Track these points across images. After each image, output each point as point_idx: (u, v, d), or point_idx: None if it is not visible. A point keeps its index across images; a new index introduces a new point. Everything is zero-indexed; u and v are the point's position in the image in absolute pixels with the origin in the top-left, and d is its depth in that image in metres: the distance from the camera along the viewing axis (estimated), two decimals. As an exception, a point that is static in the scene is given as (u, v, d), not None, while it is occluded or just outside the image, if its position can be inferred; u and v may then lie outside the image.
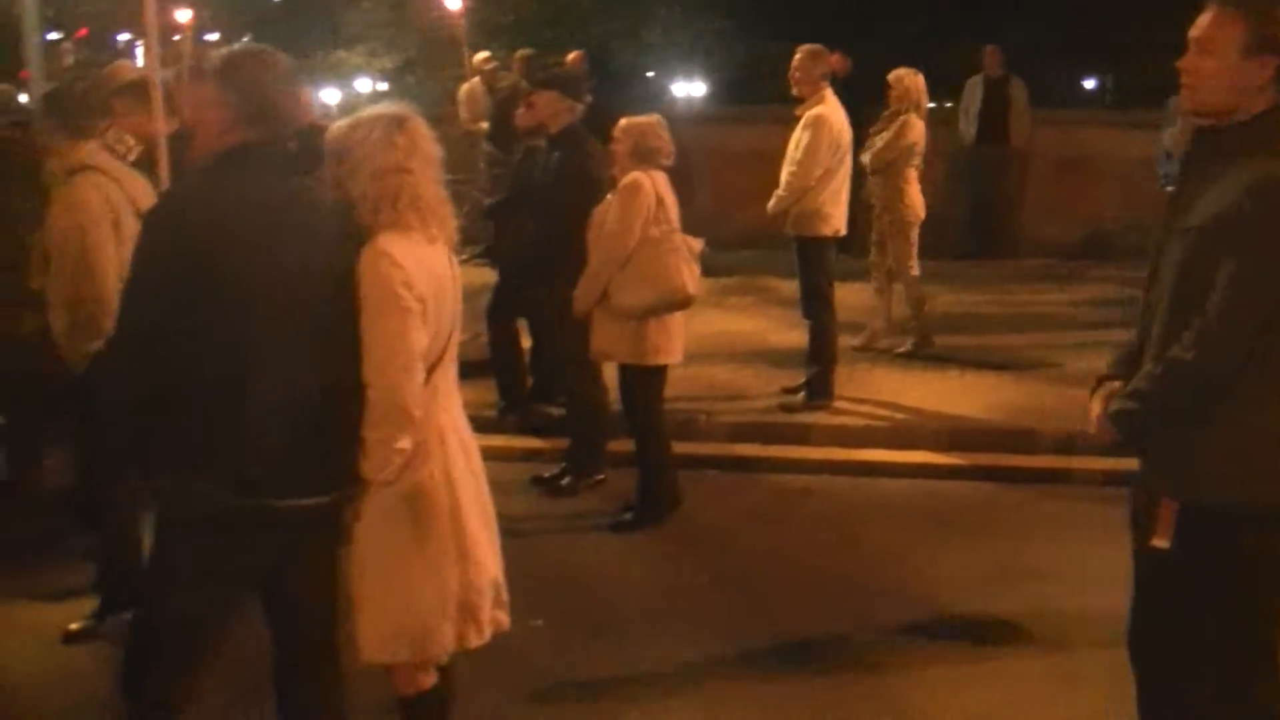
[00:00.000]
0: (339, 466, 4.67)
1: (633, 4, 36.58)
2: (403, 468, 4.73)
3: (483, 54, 19.79)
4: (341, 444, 4.65)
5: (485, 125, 16.01)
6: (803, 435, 10.46)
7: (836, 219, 10.76)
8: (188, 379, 4.44)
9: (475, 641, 5.07)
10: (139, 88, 7.48)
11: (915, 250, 12.44)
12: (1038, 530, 8.73)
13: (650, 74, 43.51)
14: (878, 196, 12.43)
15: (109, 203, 6.68)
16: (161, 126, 7.06)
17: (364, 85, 37.09)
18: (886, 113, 12.51)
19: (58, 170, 6.97)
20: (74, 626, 7.15)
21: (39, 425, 9.09)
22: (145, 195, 6.78)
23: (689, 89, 45.79)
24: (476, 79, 18.82)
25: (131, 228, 6.32)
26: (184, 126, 7.22)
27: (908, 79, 12.46)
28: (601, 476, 9.57)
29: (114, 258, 6.62)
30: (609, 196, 8.56)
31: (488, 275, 11.03)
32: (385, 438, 4.64)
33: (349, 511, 4.78)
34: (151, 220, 4.70)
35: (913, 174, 12.38)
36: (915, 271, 12.48)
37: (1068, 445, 9.79)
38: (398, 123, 4.84)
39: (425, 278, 4.71)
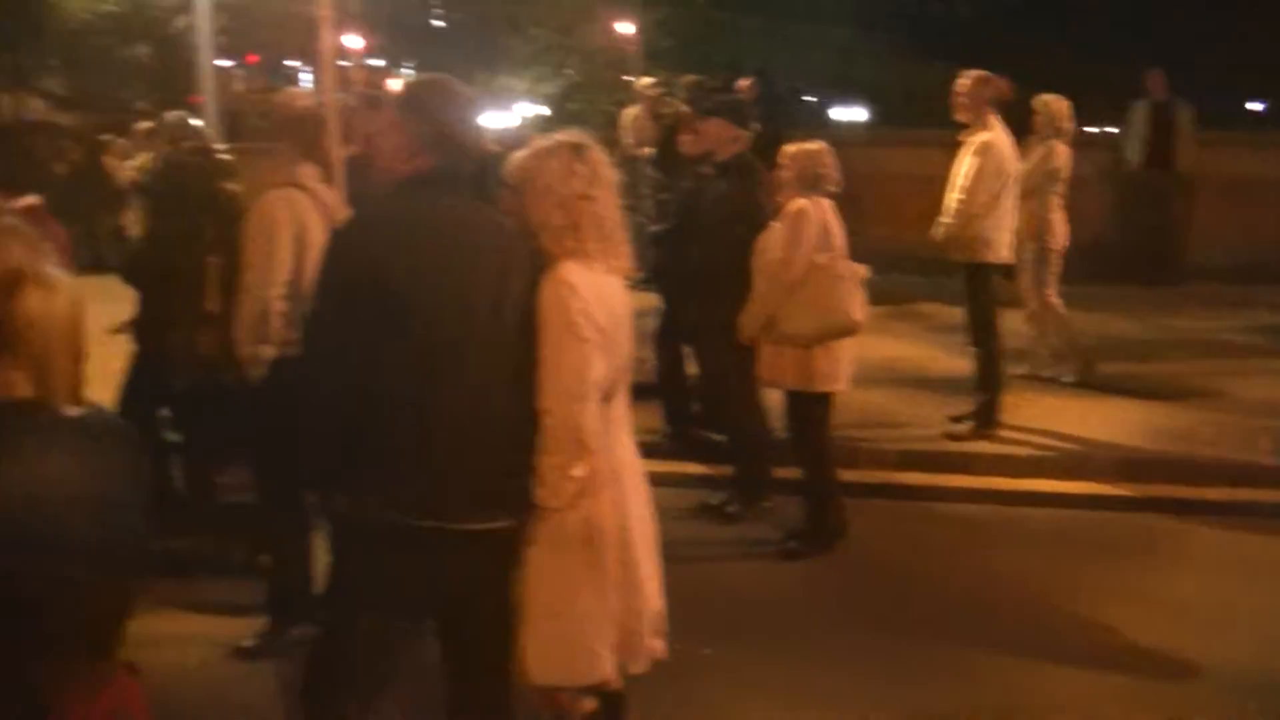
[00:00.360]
0: (513, 492, 4.69)
1: (794, 27, 36.55)
2: (575, 495, 4.75)
3: (647, 79, 19.84)
4: (516, 470, 4.68)
5: (649, 151, 16.05)
6: (968, 464, 10.36)
7: (1002, 246, 10.66)
8: (363, 399, 4.50)
9: (635, 669, 5.08)
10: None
11: (1056, 278, 12.27)
12: (1209, 563, 8.58)
13: (811, 98, 43.43)
14: (1022, 223, 12.29)
15: (296, 216, 6.77)
16: (338, 151, 7.16)
17: (527, 110, 37.31)
18: (1032, 138, 12.36)
19: (257, 186, 7.08)
20: (246, 642, 7.26)
21: (215, 442, 9.25)
22: (342, 212, 6.88)
23: (849, 113, 45.64)
24: (640, 104, 18.86)
25: (320, 243, 6.43)
26: (359, 152, 7.34)
27: (1053, 104, 12.28)
28: (768, 504, 9.53)
29: (288, 267, 6.72)
30: (774, 223, 8.55)
31: (651, 300, 11.06)
32: (559, 465, 4.66)
33: (522, 537, 4.81)
34: (332, 242, 4.78)
35: (1056, 200, 12.17)
36: (1055, 299, 12.31)
37: (1241, 476, 9.61)
38: (577, 150, 4.86)
39: (603, 307, 4.73)
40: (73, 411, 2.80)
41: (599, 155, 4.91)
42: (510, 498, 4.68)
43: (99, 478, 2.80)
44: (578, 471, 4.68)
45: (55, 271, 2.77)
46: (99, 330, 10.85)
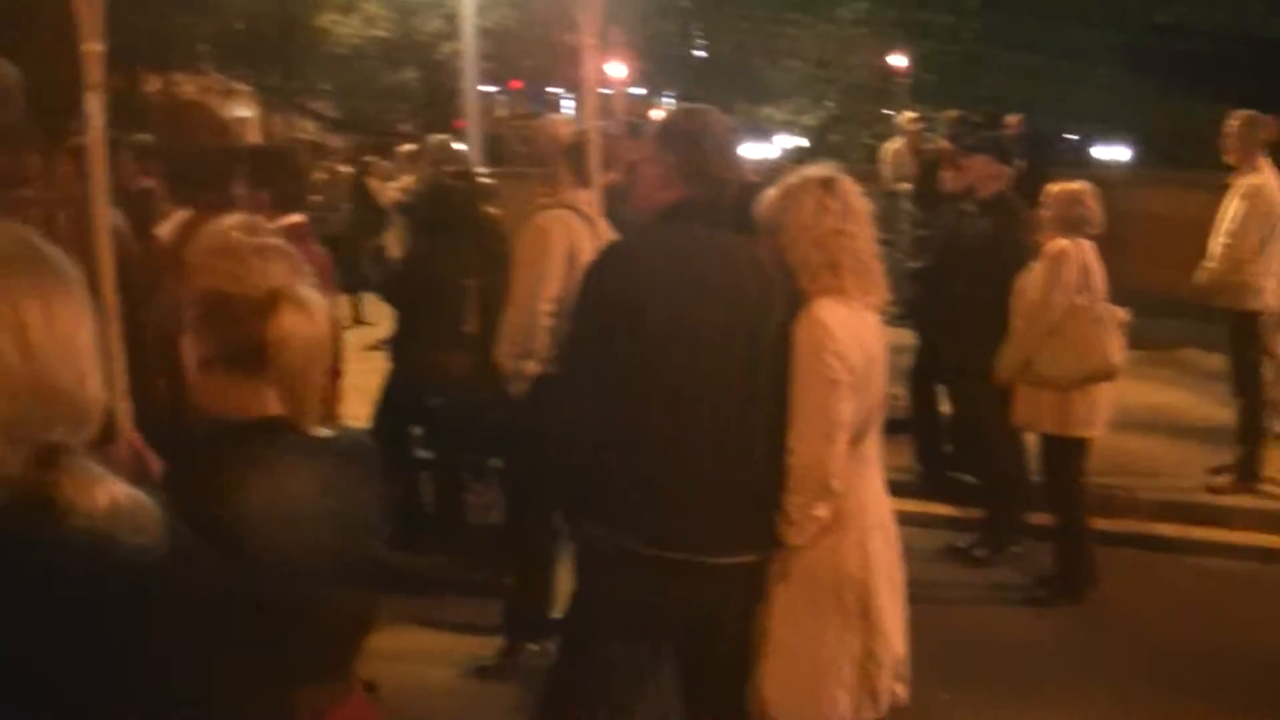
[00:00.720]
0: (757, 528, 4.67)
1: (1060, 65, 36.06)
2: (819, 535, 4.71)
3: (909, 113, 19.72)
4: (761, 506, 4.65)
5: (908, 186, 15.95)
6: (1227, 518, 10.04)
7: (1269, 293, 10.33)
8: (616, 427, 4.51)
9: (870, 713, 4.98)
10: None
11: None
12: None
13: (1073, 136, 42.80)
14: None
15: (569, 235, 6.81)
16: (599, 179, 7.20)
17: (785, 141, 37.35)
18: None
19: (517, 210, 7.15)
20: (486, 661, 7.34)
21: (466, 461, 9.38)
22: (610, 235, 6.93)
23: (1111, 152, 44.84)
24: (901, 138, 18.74)
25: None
26: (620, 180, 7.37)
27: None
28: (1017, 549, 9.35)
29: (558, 284, 6.76)
30: (1034, 263, 8.41)
31: (905, 336, 10.93)
32: (804, 504, 4.62)
33: (764, 573, 4.77)
34: (589, 270, 4.81)
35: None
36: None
37: None
38: (826, 185, 4.81)
39: (858, 348, 4.67)
40: (322, 432, 2.83)
41: (850, 187, 4.85)
42: (757, 533, 4.66)
43: (345, 499, 2.83)
44: (822, 511, 4.64)
45: (311, 292, 2.81)
46: (357, 347, 11.15)
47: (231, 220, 2.98)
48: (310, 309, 2.78)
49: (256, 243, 2.86)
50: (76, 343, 1.74)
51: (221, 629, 1.93)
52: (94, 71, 3.82)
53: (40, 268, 1.74)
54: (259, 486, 2.65)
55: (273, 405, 2.80)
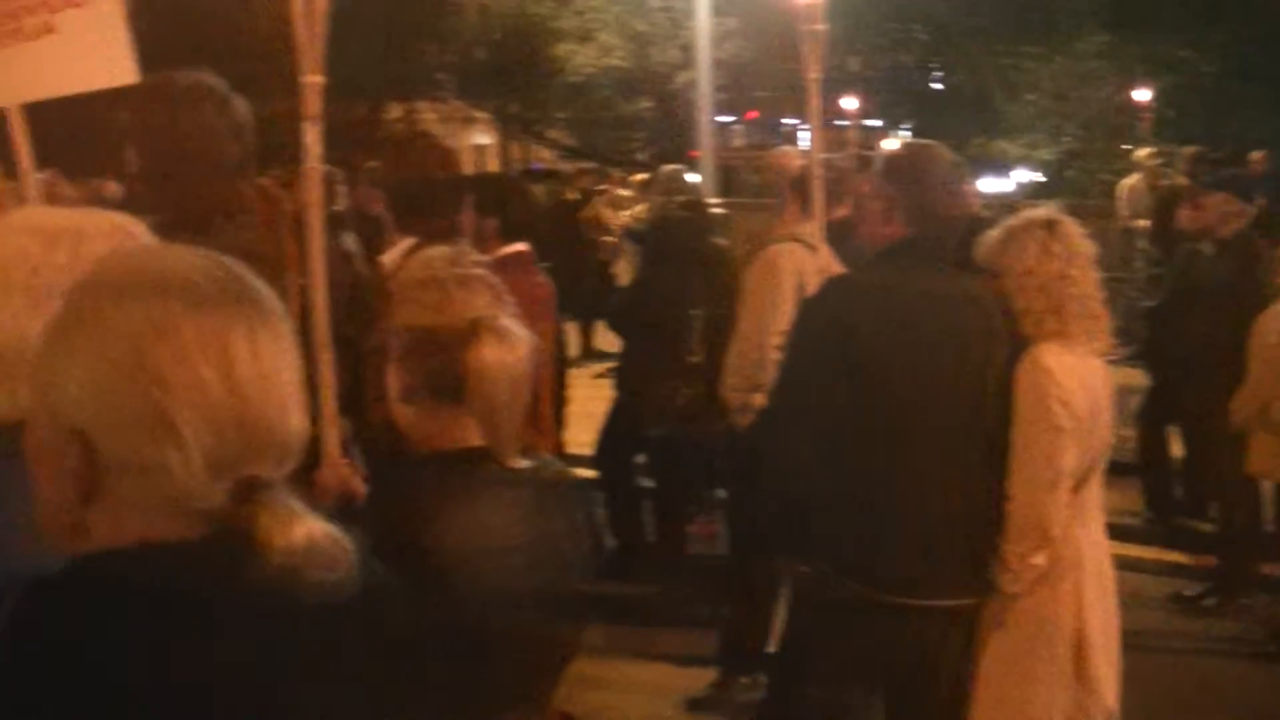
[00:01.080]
0: (973, 572, 4.60)
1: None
2: (1034, 583, 4.62)
3: (1147, 149, 19.34)
4: (977, 550, 4.58)
5: (1145, 223, 15.65)
6: None
7: None
8: (830, 467, 4.47)
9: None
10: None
11: None
12: None
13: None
14: None
15: (798, 269, 6.79)
16: (826, 212, 7.17)
17: (1021, 176, 36.89)
18: None
19: (748, 241, 7.14)
20: (699, 693, 7.30)
21: (689, 492, 9.38)
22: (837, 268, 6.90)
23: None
24: (1139, 174, 18.38)
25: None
26: (848, 214, 7.33)
27: None
28: (1249, 600, 9.06)
29: (787, 318, 6.73)
30: (1275, 306, 8.16)
31: (1136, 377, 10.69)
32: (1021, 552, 4.55)
33: (980, 618, 4.69)
34: (807, 304, 4.81)
35: None
36: None
37: None
38: (1048, 227, 4.75)
39: (1084, 392, 4.59)
40: (522, 463, 2.83)
41: (1072, 229, 4.78)
42: (973, 577, 4.59)
43: (544, 531, 2.83)
44: (1039, 560, 4.56)
45: (514, 323, 2.82)
46: (585, 374, 11.27)
47: (437, 251, 3.01)
48: (512, 340, 2.79)
49: (460, 273, 2.88)
50: (281, 376, 1.75)
51: (414, 668, 1.92)
52: (313, 103, 3.88)
53: (246, 300, 1.76)
54: (457, 518, 2.66)
55: (473, 436, 2.82)
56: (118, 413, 1.67)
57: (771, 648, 6.84)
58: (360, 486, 3.56)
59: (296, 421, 1.77)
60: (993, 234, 4.84)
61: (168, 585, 1.66)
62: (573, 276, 14.94)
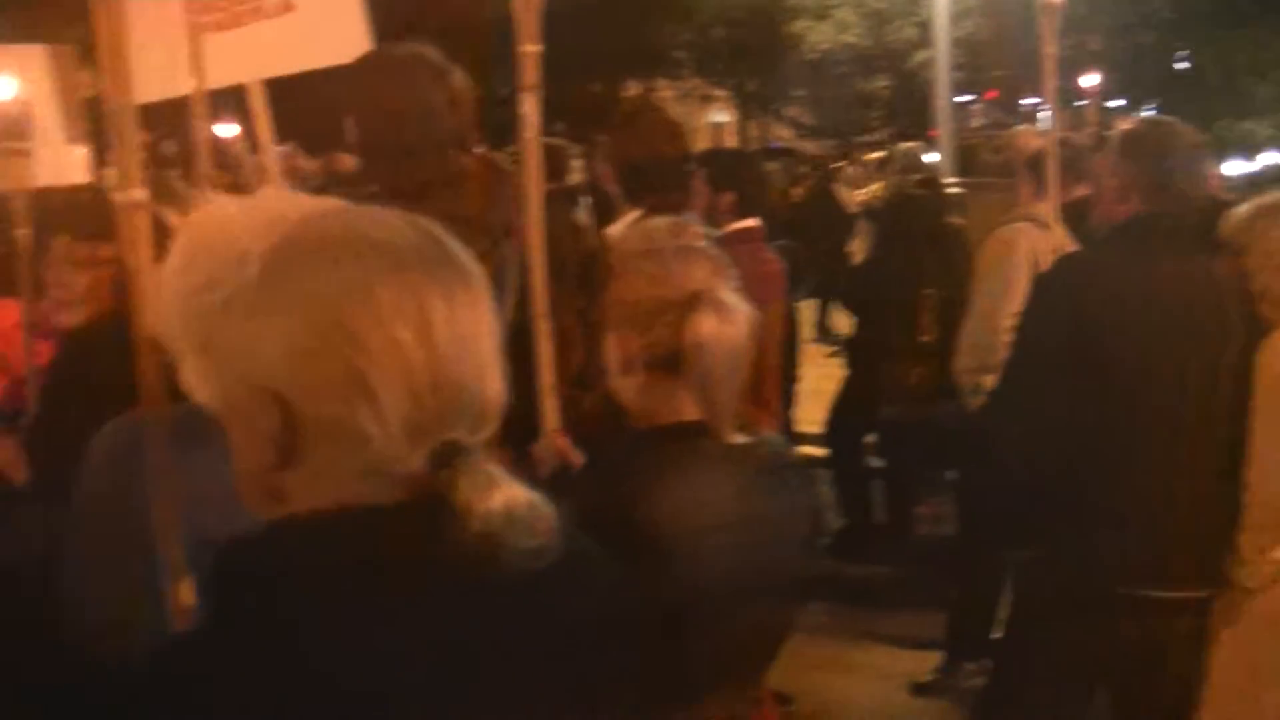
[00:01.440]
0: (1206, 563, 4.45)
1: None
2: (1271, 578, 4.46)
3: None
4: (1208, 541, 4.44)
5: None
6: None
7: None
8: (1060, 454, 4.39)
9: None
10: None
11: None
12: None
13: None
14: None
15: (1033, 250, 6.68)
16: (1060, 192, 7.05)
17: (1269, 158, 35.80)
18: None
19: (984, 221, 7.05)
20: (923, 678, 7.22)
21: (917, 473, 9.29)
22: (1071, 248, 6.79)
23: None
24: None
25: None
26: (1087, 194, 7.19)
27: None
28: None
29: (1021, 299, 6.64)
30: None
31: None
32: (1260, 545, 4.39)
33: (1212, 612, 4.55)
34: (1039, 283, 4.73)
35: None
36: None
37: None
38: None
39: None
40: (740, 439, 2.80)
41: None
42: (1206, 568, 4.44)
43: (759, 508, 2.80)
44: (1277, 554, 4.38)
45: (734, 297, 2.79)
46: (820, 353, 11.23)
47: (659, 222, 3.00)
48: (731, 313, 2.76)
49: (679, 245, 2.87)
50: (479, 341, 1.74)
51: (617, 640, 1.91)
52: (530, 73, 3.88)
53: (444, 263, 1.75)
54: (669, 492, 2.64)
55: (689, 410, 2.80)
56: (314, 375, 1.67)
57: (997, 634, 6.76)
58: (577, 458, 3.55)
59: (494, 386, 1.76)
60: (1240, 209, 4.68)
61: (366, 549, 1.66)
62: (830, 254, 14.91)
